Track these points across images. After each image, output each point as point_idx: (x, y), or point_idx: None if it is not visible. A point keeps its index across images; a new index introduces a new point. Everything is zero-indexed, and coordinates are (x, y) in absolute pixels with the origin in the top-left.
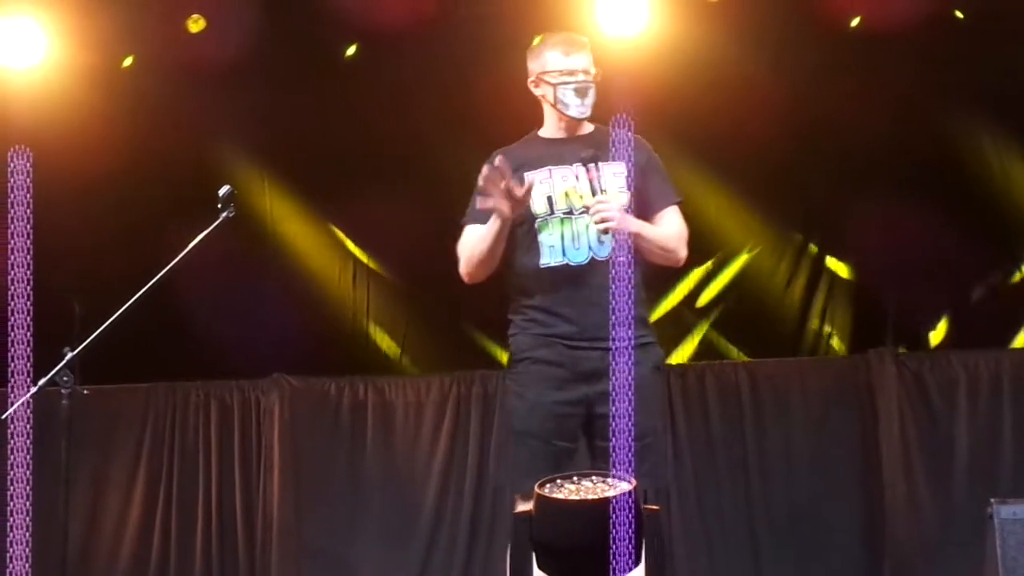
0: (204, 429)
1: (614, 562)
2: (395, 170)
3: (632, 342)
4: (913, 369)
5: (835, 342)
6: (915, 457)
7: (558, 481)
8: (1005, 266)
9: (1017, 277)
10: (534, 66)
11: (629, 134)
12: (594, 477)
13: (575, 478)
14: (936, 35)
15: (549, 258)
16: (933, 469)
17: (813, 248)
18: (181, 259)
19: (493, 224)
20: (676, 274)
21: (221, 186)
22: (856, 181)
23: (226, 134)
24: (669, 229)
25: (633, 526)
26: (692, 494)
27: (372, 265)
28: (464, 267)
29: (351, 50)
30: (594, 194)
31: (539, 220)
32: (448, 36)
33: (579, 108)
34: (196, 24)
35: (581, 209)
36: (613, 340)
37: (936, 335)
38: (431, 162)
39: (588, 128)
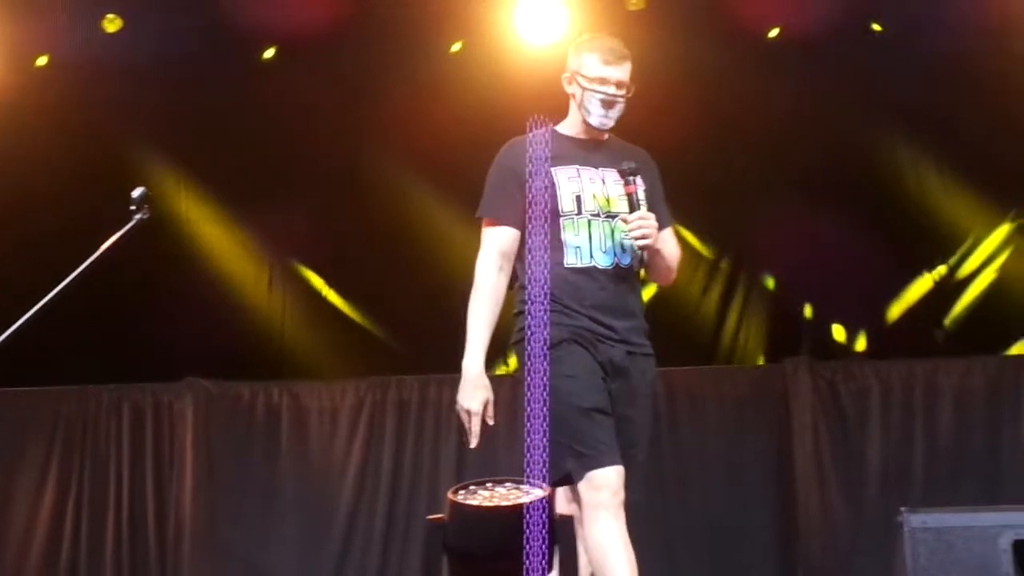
0: (116, 433)
1: (527, 569)
2: (313, 174)
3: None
4: (827, 378)
5: (751, 350)
6: (828, 465)
7: (471, 487)
8: (918, 276)
9: (930, 287)
10: (572, 63)
11: (547, 135)
12: (508, 484)
13: (489, 484)
14: (854, 47)
15: (576, 259)
16: (846, 477)
17: (731, 256)
18: (93, 261)
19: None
20: None
21: (135, 188)
22: (773, 191)
23: (142, 136)
24: (675, 250)
25: (546, 533)
26: None
27: (288, 269)
28: (471, 294)
29: (269, 53)
30: (632, 208)
31: (565, 218)
32: (366, 41)
33: (601, 119)
34: (112, 24)
35: (607, 213)
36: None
37: (850, 345)
38: (349, 166)
39: (606, 135)
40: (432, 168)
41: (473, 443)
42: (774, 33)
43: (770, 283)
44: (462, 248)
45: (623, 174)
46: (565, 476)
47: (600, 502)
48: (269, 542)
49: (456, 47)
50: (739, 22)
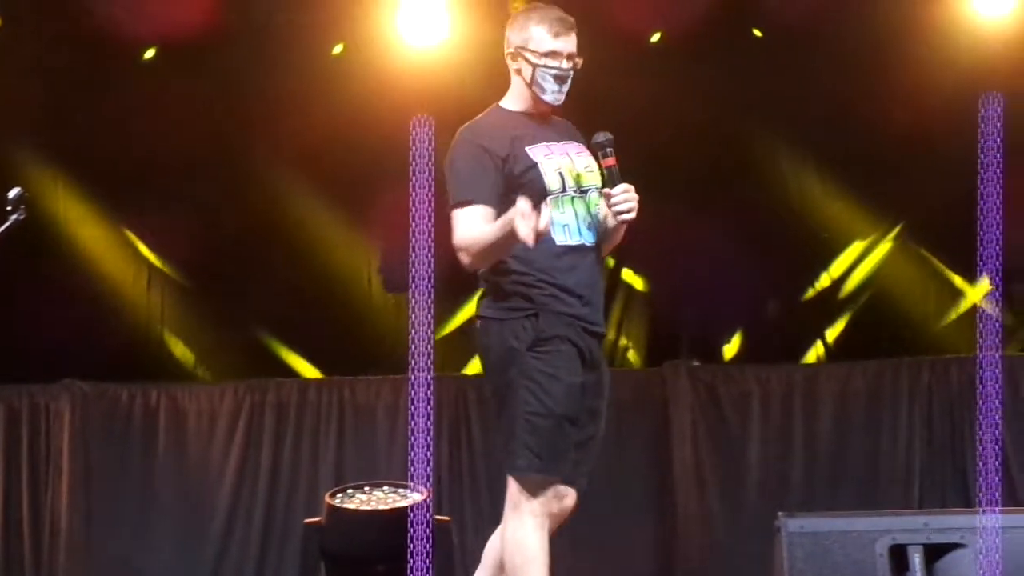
0: None
1: (410, 572)
2: (192, 175)
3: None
4: (707, 382)
5: (630, 355)
6: (707, 469)
7: (349, 491)
8: (799, 283)
9: (810, 293)
10: (514, 37)
11: (430, 134)
12: (385, 487)
13: (367, 488)
14: (735, 53)
15: (565, 236)
16: (725, 481)
17: (610, 261)
18: None
19: (509, 239)
20: (470, 286)
21: (11, 188)
22: (655, 196)
23: (18, 136)
24: None
25: (428, 536)
26: (486, 507)
27: (167, 271)
28: (466, 257)
29: (149, 53)
30: (613, 182)
31: (551, 197)
32: (247, 42)
33: (555, 95)
34: None
35: (580, 188)
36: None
37: (730, 349)
38: (227, 168)
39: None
40: (313, 169)
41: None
42: (656, 38)
43: (651, 288)
44: (341, 250)
45: (599, 147)
46: (511, 471)
47: (534, 509)
48: (146, 545)
49: (338, 49)
50: (621, 26)
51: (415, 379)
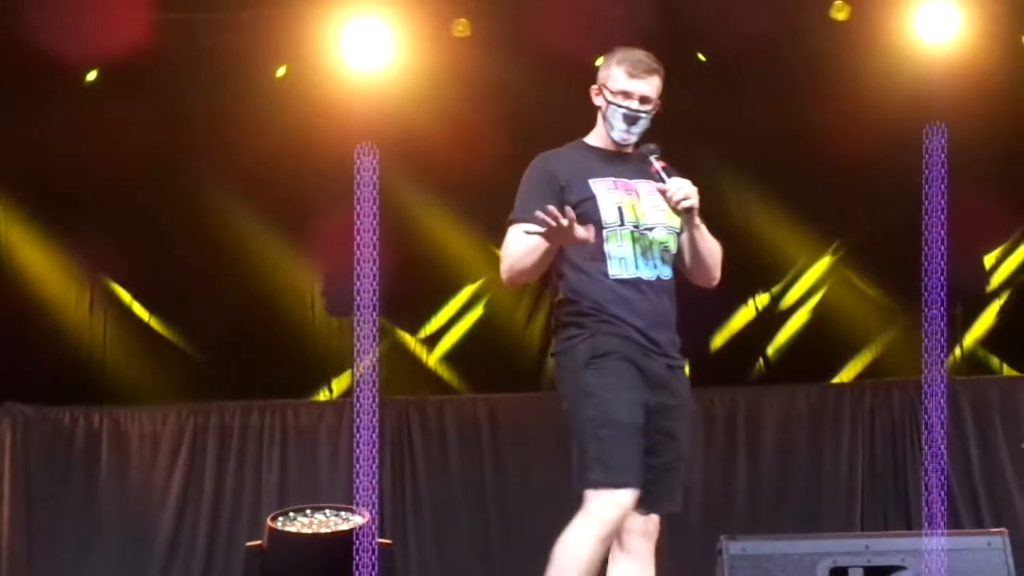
0: None
1: None
2: (135, 197)
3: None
4: None
5: None
6: None
7: (291, 514)
8: (741, 304)
9: (752, 315)
10: (600, 73)
11: (374, 161)
12: (327, 511)
13: (308, 511)
14: (679, 76)
15: (621, 270)
16: None
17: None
18: None
19: (543, 244)
20: (417, 308)
21: None
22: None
23: None
24: (715, 245)
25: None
26: (430, 528)
27: (109, 292)
28: (506, 272)
29: (91, 75)
30: (664, 181)
31: (608, 230)
32: (190, 63)
33: (623, 134)
34: None
35: (645, 227)
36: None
37: None
38: (171, 189)
39: (630, 148)
40: (257, 192)
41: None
42: (600, 61)
43: None
44: (285, 273)
45: (645, 154)
46: (584, 487)
47: (604, 519)
48: (88, 568)
49: (281, 72)
50: (563, 51)
51: (360, 402)
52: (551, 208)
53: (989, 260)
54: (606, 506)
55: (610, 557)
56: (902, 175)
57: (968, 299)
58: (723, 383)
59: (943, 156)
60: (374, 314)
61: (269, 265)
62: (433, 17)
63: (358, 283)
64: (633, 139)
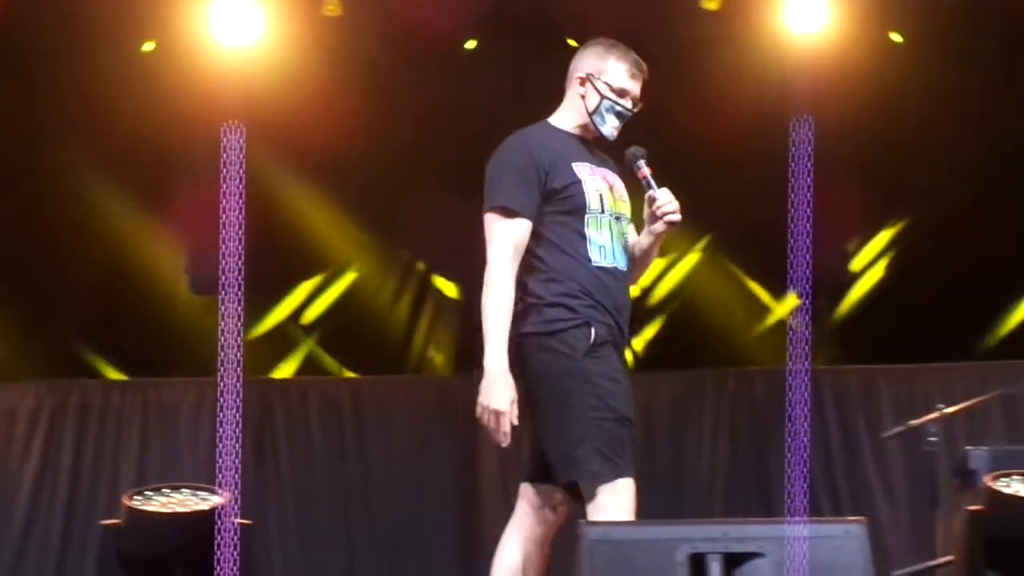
0: None
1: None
2: None
3: None
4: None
5: (439, 361)
6: (514, 477)
7: (148, 493)
8: None
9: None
10: (587, 63)
11: (241, 140)
12: (185, 490)
13: (166, 490)
14: (549, 62)
15: (601, 258)
16: None
17: (421, 266)
18: None
19: (487, 368)
20: (282, 288)
21: None
22: (465, 203)
23: None
24: None
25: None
26: (291, 511)
27: None
28: (484, 292)
29: None
30: (645, 189)
31: (590, 216)
32: (51, 36)
33: (612, 130)
34: None
35: (617, 215)
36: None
37: None
38: (31, 165)
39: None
40: (121, 168)
41: (505, 442)
42: (471, 45)
43: (461, 293)
44: (148, 251)
45: (633, 158)
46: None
47: (622, 506)
48: None
49: (148, 46)
50: (434, 33)
51: (225, 382)
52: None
53: (855, 257)
54: (614, 495)
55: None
56: (771, 166)
57: (830, 290)
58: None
59: (809, 148)
60: (239, 293)
61: (132, 243)
62: None
63: (223, 262)
64: (616, 135)
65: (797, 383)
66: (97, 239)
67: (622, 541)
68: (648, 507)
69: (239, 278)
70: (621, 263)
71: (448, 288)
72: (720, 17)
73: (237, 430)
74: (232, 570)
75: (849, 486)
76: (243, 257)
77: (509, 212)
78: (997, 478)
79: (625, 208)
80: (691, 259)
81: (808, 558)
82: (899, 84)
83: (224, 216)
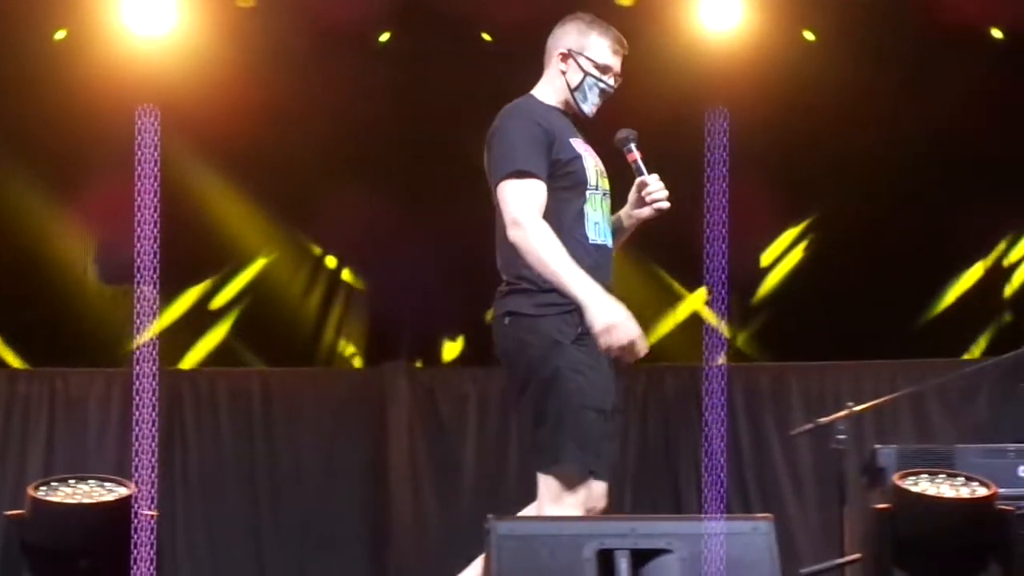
0: None
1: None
2: None
3: None
4: (426, 384)
5: (350, 354)
6: (423, 471)
7: (53, 483)
8: None
9: None
10: (569, 39)
11: (156, 123)
12: (91, 481)
13: (72, 481)
14: (465, 55)
15: (596, 235)
16: (441, 483)
17: (332, 260)
18: None
19: (565, 280)
20: (190, 277)
21: None
22: (378, 196)
23: None
24: None
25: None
26: (198, 502)
27: None
28: (520, 241)
29: None
30: (641, 174)
31: (589, 191)
32: None
33: (592, 107)
34: None
35: (604, 191)
36: None
37: (449, 351)
38: None
39: None
40: (31, 156)
41: (645, 350)
42: (385, 37)
43: (372, 287)
44: (58, 240)
45: (623, 142)
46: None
47: (578, 501)
48: None
49: (61, 34)
50: (346, 25)
51: (140, 372)
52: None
53: (766, 252)
54: (575, 486)
55: None
56: (685, 161)
57: (743, 287)
58: (498, 363)
59: (724, 140)
60: (155, 282)
61: (41, 231)
62: None
63: (138, 250)
64: (595, 112)
65: (713, 380)
66: (5, 228)
67: (530, 536)
68: None
69: (154, 265)
70: (610, 240)
71: (357, 281)
72: (634, 14)
73: (153, 419)
74: (147, 561)
75: (758, 483)
76: (158, 244)
77: (525, 174)
78: (904, 476)
79: (608, 185)
80: None
81: (716, 555)
82: (812, 82)
83: (139, 200)
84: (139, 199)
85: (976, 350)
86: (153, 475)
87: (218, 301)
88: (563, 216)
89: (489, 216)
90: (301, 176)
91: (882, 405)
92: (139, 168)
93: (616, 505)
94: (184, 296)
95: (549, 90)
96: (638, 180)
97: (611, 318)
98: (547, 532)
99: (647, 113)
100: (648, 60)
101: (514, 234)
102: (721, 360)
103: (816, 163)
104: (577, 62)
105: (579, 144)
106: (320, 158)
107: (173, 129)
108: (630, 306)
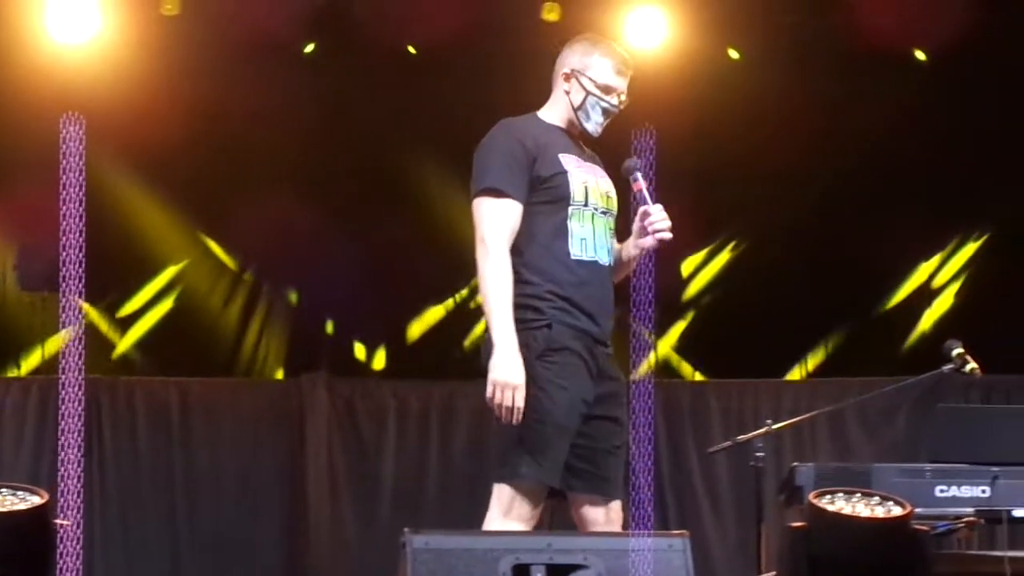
0: None
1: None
2: None
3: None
4: (345, 396)
5: (269, 365)
6: (342, 483)
7: None
8: (449, 294)
9: (450, 306)
10: (574, 59)
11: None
12: (3, 490)
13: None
14: (390, 69)
15: (580, 251)
16: (359, 496)
17: (253, 270)
18: None
19: (499, 350)
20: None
21: None
22: (300, 206)
23: None
24: None
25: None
26: (115, 511)
27: None
28: (480, 274)
29: None
30: (640, 205)
31: (573, 207)
32: None
33: (596, 126)
34: None
35: (604, 210)
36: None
37: (370, 363)
38: None
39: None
40: None
41: (517, 419)
42: (310, 48)
43: (293, 297)
44: None
45: (629, 170)
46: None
47: (525, 514)
48: None
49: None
50: (271, 35)
51: (65, 380)
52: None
53: (686, 266)
54: (529, 499)
55: None
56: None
57: (665, 304)
58: (418, 376)
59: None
60: (80, 289)
61: None
62: None
63: (64, 257)
64: (601, 131)
65: (640, 394)
66: None
67: (445, 550)
68: (476, 515)
69: (80, 273)
70: (603, 257)
71: (280, 292)
72: (560, 29)
73: (79, 427)
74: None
75: (676, 500)
76: (84, 251)
77: (498, 193)
78: (821, 495)
79: (612, 205)
80: None
81: (631, 570)
82: (737, 99)
83: (64, 208)
84: (64, 207)
85: (894, 369)
86: (79, 484)
87: (142, 311)
88: (539, 231)
89: (412, 227)
90: (224, 185)
91: (801, 423)
92: (64, 176)
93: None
94: (104, 303)
95: (554, 109)
96: (640, 209)
97: (508, 377)
98: (463, 546)
99: None
100: None
101: (478, 252)
102: (648, 375)
103: (739, 181)
104: (580, 82)
105: (570, 160)
106: (244, 168)
107: (95, 137)
108: None
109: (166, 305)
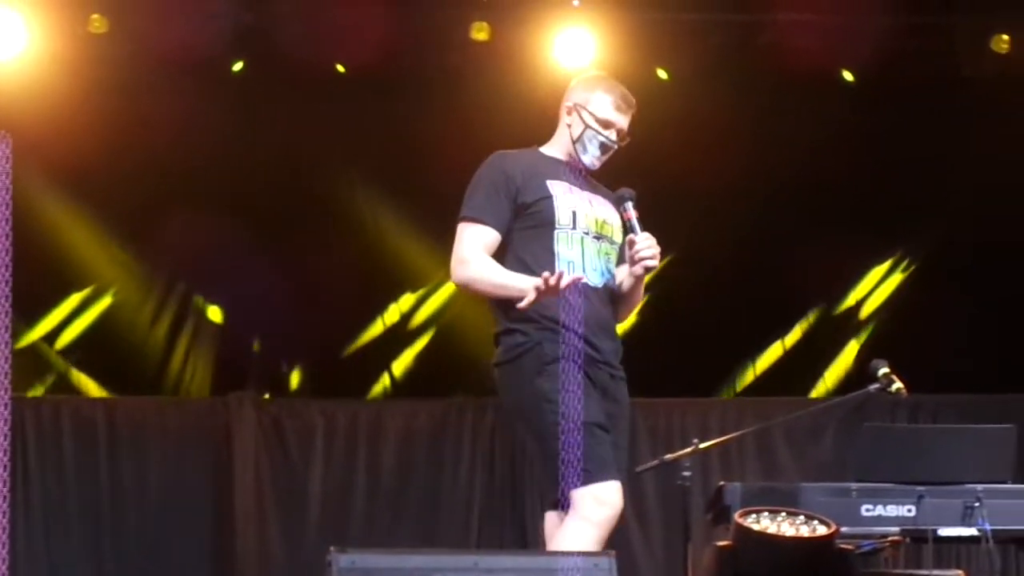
0: None
1: None
2: None
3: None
4: (273, 414)
5: (196, 383)
6: (269, 502)
7: None
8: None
9: (379, 328)
10: (577, 94)
11: (7, 150)
12: None
13: None
14: (319, 87)
15: (568, 273)
16: (286, 515)
17: (181, 287)
18: None
19: (516, 288)
20: (38, 306)
21: None
22: (228, 223)
23: None
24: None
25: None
26: (40, 531)
27: None
28: (466, 282)
29: None
30: (627, 232)
31: (560, 230)
32: None
33: (594, 160)
34: None
35: (598, 234)
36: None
37: (296, 382)
38: None
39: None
40: None
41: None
42: (239, 67)
43: (220, 316)
44: None
45: (620, 199)
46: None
47: (599, 519)
48: None
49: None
50: (199, 54)
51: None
52: (547, 276)
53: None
54: (598, 507)
55: None
56: None
57: None
58: (347, 395)
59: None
60: (7, 307)
61: None
62: (67, 10)
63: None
64: (599, 166)
65: None
66: None
67: (371, 569)
68: (402, 534)
69: (7, 290)
70: (593, 279)
71: (209, 311)
72: (489, 49)
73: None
74: None
75: None
76: (10, 269)
77: (476, 220)
78: (746, 514)
79: (609, 231)
80: (449, 285)
81: None
82: (665, 120)
83: (526, 220)
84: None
85: (823, 388)
86: (4, 502)
87: (67, 330)
88: (526, 254)
89: (340, 246)
90: (151, 204)
91: (728, 442)
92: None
93: (464, 537)
94: (33, 323)
95: (556, 143)
96: (628, 238)
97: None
98: (389, 565)
99: (494, 145)
100: (500, 95)
101: (460, 271)
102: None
103: (667, 200)
104: (581, 115)
105: (559, 186)
106: (171, 186)
107: (20, 154)
108: (478, 340)
109: (93, 323)
